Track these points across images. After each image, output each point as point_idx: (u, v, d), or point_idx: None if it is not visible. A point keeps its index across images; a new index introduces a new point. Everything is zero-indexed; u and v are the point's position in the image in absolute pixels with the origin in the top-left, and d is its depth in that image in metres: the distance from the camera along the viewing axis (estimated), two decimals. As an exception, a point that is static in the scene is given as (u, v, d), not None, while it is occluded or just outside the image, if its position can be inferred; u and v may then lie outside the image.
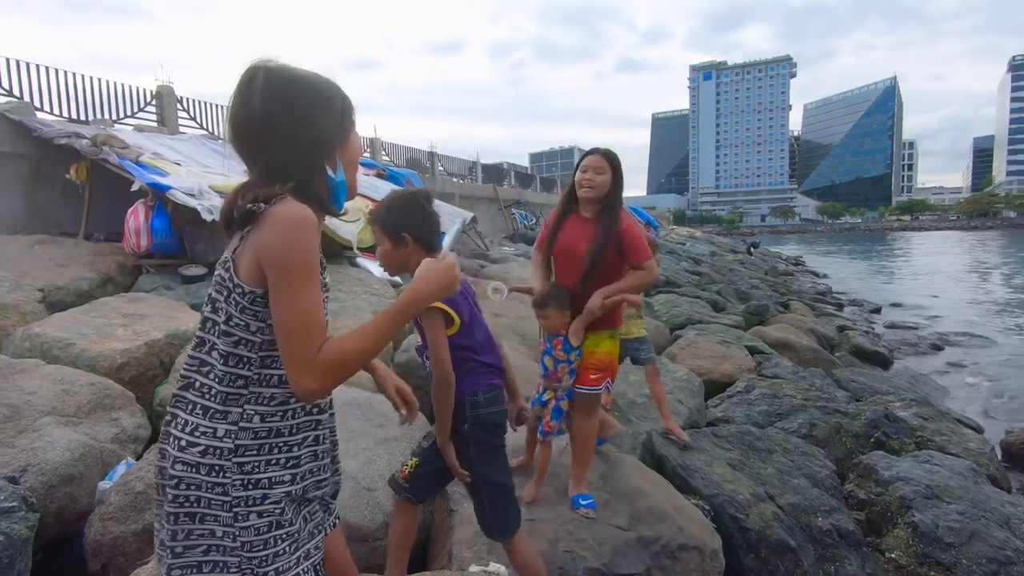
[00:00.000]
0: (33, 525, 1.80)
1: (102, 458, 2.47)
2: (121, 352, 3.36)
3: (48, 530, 2.11)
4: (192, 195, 5.67)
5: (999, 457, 4.56)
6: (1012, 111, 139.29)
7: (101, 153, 6.02)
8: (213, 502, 0.96)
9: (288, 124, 0.99)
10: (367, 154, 14.87)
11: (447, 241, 9.73)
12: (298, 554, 1.03)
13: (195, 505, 0.96)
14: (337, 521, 1.19)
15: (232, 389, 0.98)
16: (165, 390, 3.18)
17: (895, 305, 14.68)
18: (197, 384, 1.00)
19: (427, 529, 2.52)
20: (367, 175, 9.70)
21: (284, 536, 1.00)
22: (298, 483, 1.04)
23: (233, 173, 7.41)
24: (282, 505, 1.00)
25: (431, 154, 17.67)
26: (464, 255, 10.00)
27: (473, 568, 2.11)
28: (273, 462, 1.01)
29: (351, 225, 7.20)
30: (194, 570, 0.98)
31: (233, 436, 0.97)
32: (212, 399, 0.98)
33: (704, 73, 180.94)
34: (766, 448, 3.52)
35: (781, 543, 2.66)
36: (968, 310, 13.83)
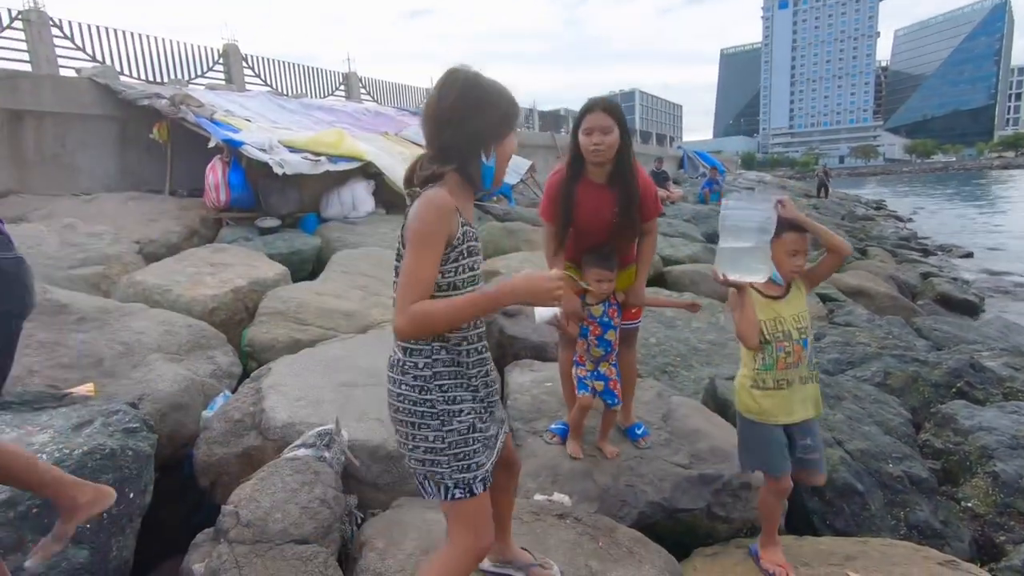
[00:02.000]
0: (153, 444, 2.05)
1: (203, 390, 2.75)
2: (212, 298, 3.66)
3: (163, 451, 2.40)
4: (263, 150, 5.93)
5: (1100, 410, 4.22)
6: None
7: (179, 112, 6.35)
8: (426, 414, 1.30)
9: (460, 116, 1.27)
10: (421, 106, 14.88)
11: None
12: (486, 451, 1.37)
13: (413, 416, 1.31)
14: (506, 428, 1.55)
15: None
16: (252, 331, 3.45)
17: (991, 250, 13.49)
18: None
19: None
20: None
21: (479, 438, 1.35)
22: (478, 402, 1.37)
23: (299, 128, 7.65)
24: (472, 416, 1.34)
25: (488, 102, 17.43)
26: (523, 204, 9.97)
27: (538, 497, 2.23)
28: (460, 385, 1.34)
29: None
30: (422, 464, 1.33)
31: (430, 367, 1.31)
32: (409, 341, 1.31)
33: (780, 0, 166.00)
34: (835, 395, 3.43)
35: (847, 486, 2.63)
36: (1077, 255, 12.52)
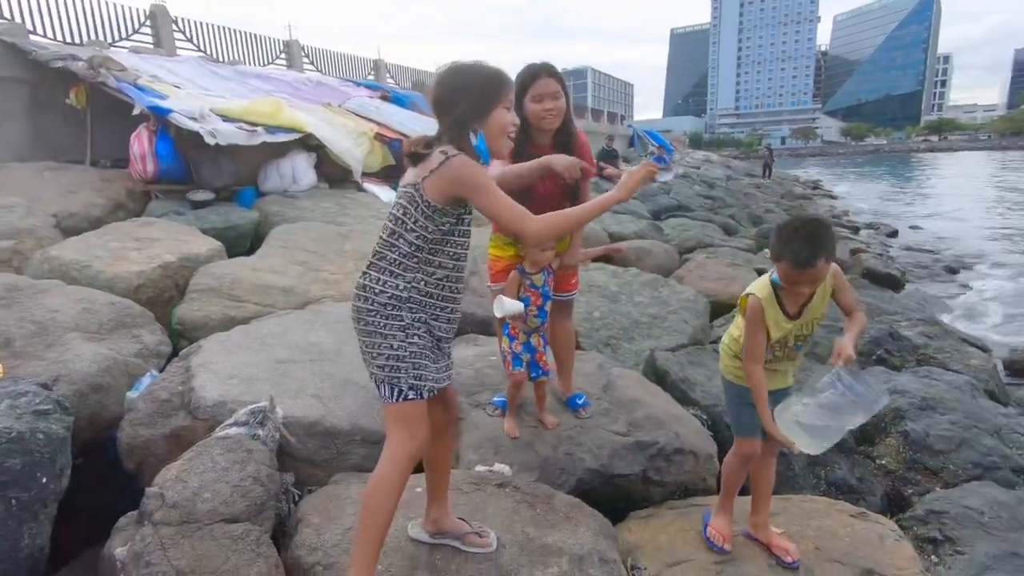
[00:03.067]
0: (68, 426, 1.93)
1: (127, 371, 2.60)
2: (137, 274, 3.46)
3: (84, 434, 2.27)
4: (194, 119, 5.60)
5: (1001, 374, 4.62)
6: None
7: (99, 76, 5.90)
8: (394, 327, 1.49)
9: (445, 106, 1.48)
10: (371, 76, 14.38)
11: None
12: (435, 368, 1.55)
13: (382, 329, 1.49)
14: (450, 372, 1.67)
15: (410, 262, 1.49)
16: (182, 309, 3.29)
17: (913, 228, 14.39)
18: (387, 257, 1.50)
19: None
20: (371, 96, 9.43)
21: (432, 356, 1.54)
22: (440, 330, 1.57)
23: (233, 96, 7.25)
24: (428, 337, 1.53)
25: (437, 75, 17.03)
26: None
27: (479, 468, 2.25)
28: (428, 312, 1.53)
29: (357, 151, 7.09)
30: (382, 370, 1.50)
31: (407, 290, 1.49)
32: (396, 266, 1.49)
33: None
34: (767, 363, 3.60)
35: (774, 449, 2.78)
36: (988, 235, 13.52)
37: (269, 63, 11.48)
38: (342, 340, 2.88)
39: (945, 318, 6.31)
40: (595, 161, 2.52)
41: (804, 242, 1.60)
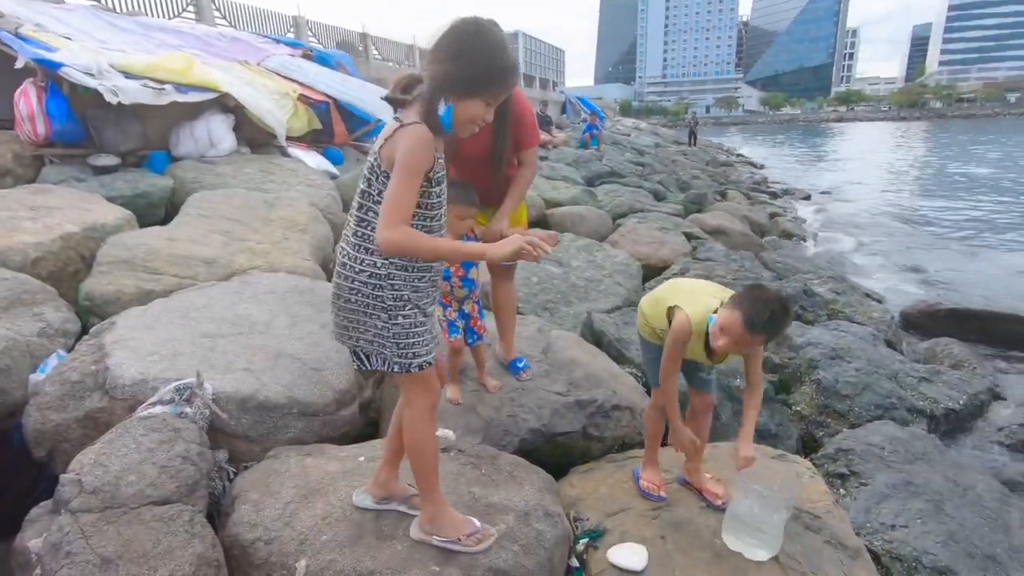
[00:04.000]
0: (-38, 414, 1.75)
1: (30, 351, 2.38)
2: (34, 246, 3.14)
3: (-18, 423, 2.07)
4: (91, 74, 5.05)
5: (897, 324, 5.09)
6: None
7: (-30, 23, 5.18)
8: (376, 306, 1.47)
9: (438, 57, 1.38)
10: (291, 33, 13.48)
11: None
12: (423, 342, 1.53)
13: (365, 307, 1.48)
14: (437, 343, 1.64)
15: None
16: (90, 283, 3.02)
17: (824, 193, 15.40)
18: (359, 232, 1.47)
19: (378, 404, 2.63)
20: (292, 55, 8.85)
21: (421, 332, 1.52)
22: (423, 303, 1.53)
23: (136, 51, 6.60)
24: (416, 313, 1.51)
25: (363, 36, 16.21)
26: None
27: (422, 434, 2.24)
28: (410, 285, 1.49)
29: (279, 113, 6.67)
30: (371, 344, 1.51)
31: (386, 267, 1.46)
32: (369, 242, 1.45)
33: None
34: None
35: (703, 401, 2.94)
36: (886, 196, 14.72)
37: (176, 15, 10.50)
38: (272, 312, 2.76)
39: (850, 274, 6.84)
40: (539, 131, 2.46)
41: (769, 319, 1.65)
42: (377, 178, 1.44)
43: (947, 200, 13.99)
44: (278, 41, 9.95)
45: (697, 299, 1.86)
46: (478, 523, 1.67)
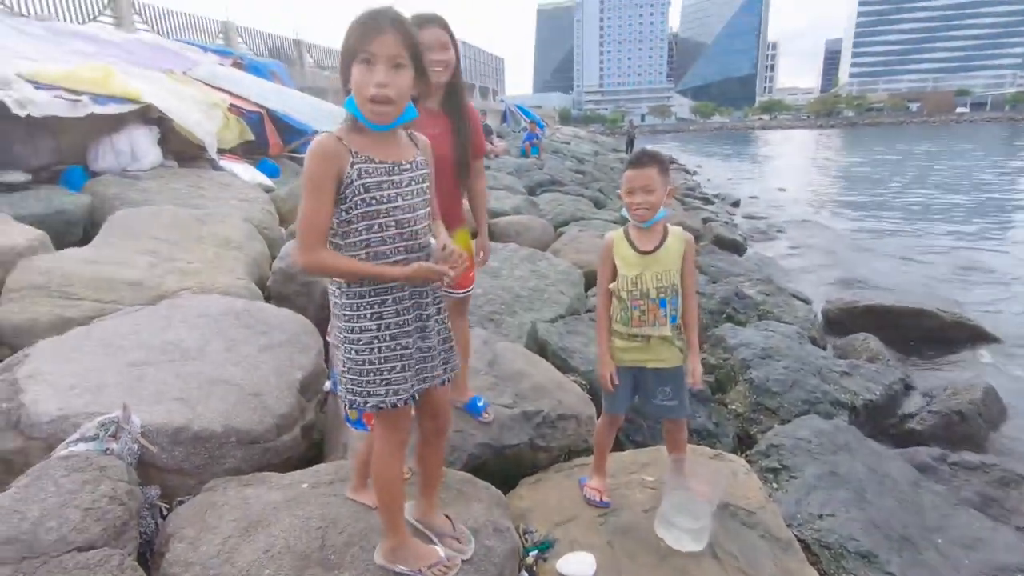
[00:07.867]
0: None
1: (-71, 391, 2.18)
2: (-69, 273, 2.88)
3: None
4: (-6, 85, 4.69)
5: (820, 322, 5.43)
6: (859, 14, 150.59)
7: None
8: (346, 338, 1.44)
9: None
10: (220, 40, 12.99)
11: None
12: (392, 387, 1.45)
13: (336, 338, 1.48)
14: (448, 379, 1.61)
15: None
16: (0, 313, 2.80)
17: (752, 198, 16.23)
18: None
19: (320, 426, 2.57)
20: (222, 64, 8.53)
21: (380, 369, 1.44)
22: (383, 331, 1.44)
23: (47, 59, 6.17)
24: (373, 344, 1.43)
25: (297, 43, 15.82)
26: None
27: (369, 455, 2.21)
28: (363, 316, 1.42)
29: (209, 124, 6.40)
30: (344, 373, 1.47)
31: (343, 297, 1.42)
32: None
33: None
34: (636, 328, 3.91)
35: (645, 406, 3.04)
36: (808, 200, 15.70)
37: (91, 19, 9.90)
38: (205, 336, 2.64)
39: (777, 276, 7.24)
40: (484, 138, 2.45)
41: (641, 153, 1.94)
42: None
43: (863, 201, 15.09)
44: (205, 49, 9.56)
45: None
46: (442, 552, 1.66)
